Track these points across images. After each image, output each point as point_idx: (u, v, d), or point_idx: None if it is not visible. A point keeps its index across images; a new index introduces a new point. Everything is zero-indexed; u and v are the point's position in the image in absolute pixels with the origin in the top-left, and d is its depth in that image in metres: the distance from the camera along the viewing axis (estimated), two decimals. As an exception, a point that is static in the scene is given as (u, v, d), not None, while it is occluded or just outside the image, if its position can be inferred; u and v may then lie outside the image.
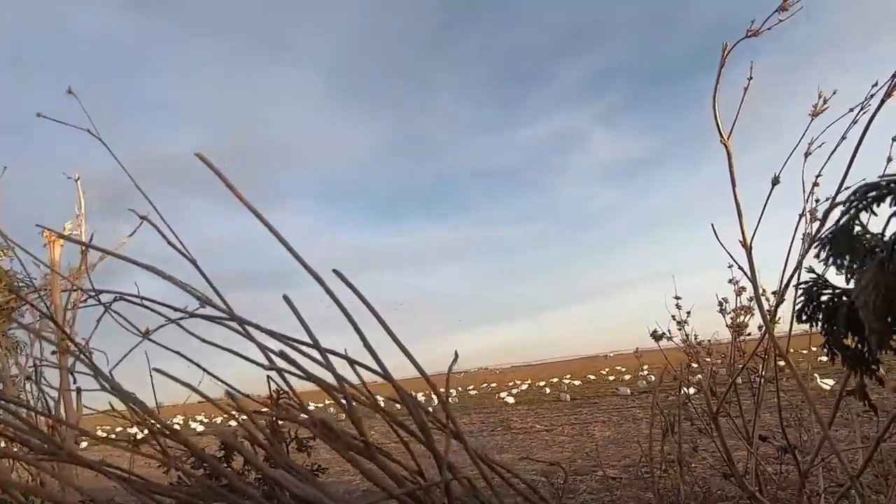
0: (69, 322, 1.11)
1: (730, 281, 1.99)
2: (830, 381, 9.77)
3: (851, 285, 0.65)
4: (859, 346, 0.79)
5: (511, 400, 17.83)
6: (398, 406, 0.71)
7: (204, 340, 0.63)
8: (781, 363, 1.92)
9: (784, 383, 1.81)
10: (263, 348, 0.59)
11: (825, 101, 1.28)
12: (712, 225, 1.48)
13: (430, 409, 0.65)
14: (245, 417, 0.57)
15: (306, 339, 0.59)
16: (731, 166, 1.36)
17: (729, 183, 1.41)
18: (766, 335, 1.67)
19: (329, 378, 0.59)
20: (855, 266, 0.64)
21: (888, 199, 0.60)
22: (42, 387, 1.15)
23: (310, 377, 0.57)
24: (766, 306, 1.69)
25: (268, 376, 0.72)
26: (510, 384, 29.16)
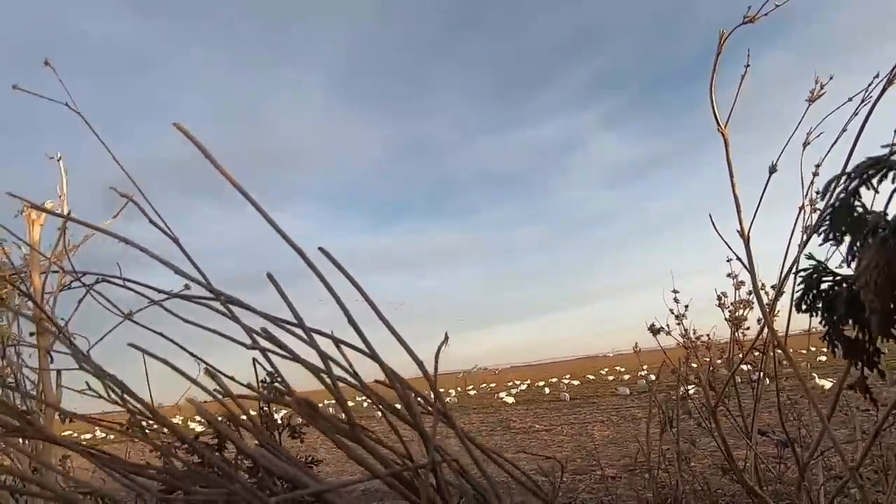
0: (49, 304, 1.10)
1: (728, 275, 1.98)
2: (829, 382, 9.77)
3: (853, 269, 0.62)
4: (860, 335, 0.77)
5: (510, 400, 17.80)
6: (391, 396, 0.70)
7: (185, 320, 0.62)
8: (781, 359, 1.90)
9: (783, 382, 1.80)
10: (248, 330, 0.57)
11: (822, 87, 1.26)
12: (710, 215, 1.46)
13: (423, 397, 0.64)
14: (228, 399, 0.55)
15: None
16: (728, 155, 1.35)
17: (727, 174, 1.39)
18: (765, 327, 1.65)
19: (314, 360, 0.57)
20: (856, 246, 0.62)
21: (890, 175, 0.58)
22: (21, 366, 1.13)
23: (294, 357, 0.55)
24: (765, 300, 1.68)
25: (253, 359, 0.70)
26: (509, 384, 29.13)
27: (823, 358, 15.87)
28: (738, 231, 1.35)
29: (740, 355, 1.78)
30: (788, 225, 1.57)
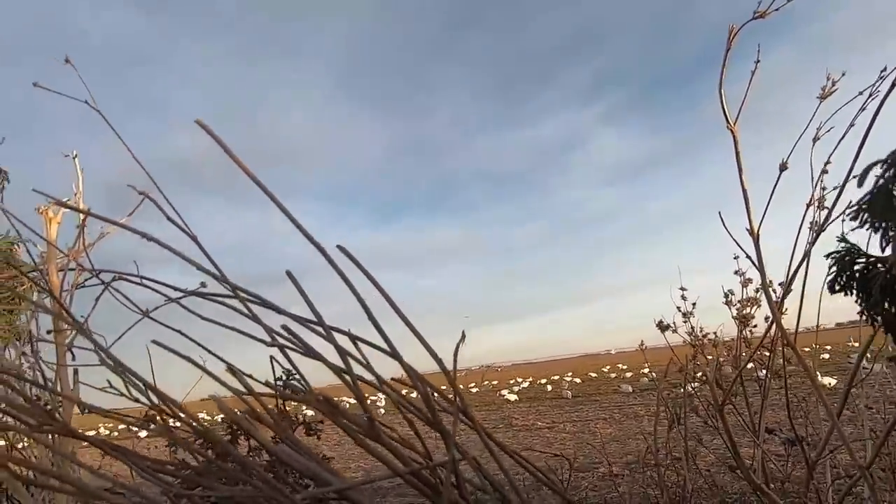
0: (66, 300, 1.10)
1: (735, 272, 1.97)
2: (832, 380, 9.76)
3: (888, 252, 0.63)
4: None
5: (513, 397, 17.82)
6: (409, 391, 0.70)
7: (203, 318, 0.62)
8: (788, 357, 1.90)
9: (789, 380, 1.79)
10: (266, 327, 0.57)
11: (834, 84, 1.26)
12: (719, 213, 1.46)
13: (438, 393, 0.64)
14: (249, 396, 0.56)
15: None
16: (737, 153, 1.34)
17: (736, 172, 1.39)
18: (774, 325, 1.65)
19: (334, 358, 0.57)
20: (893, 232, 0.62)
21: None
22: (39, 362, 1.14)
23: (313, 354, 0.55)
24: (773, 297, 1.68)
25: (271, 357, 0.70)
26: (511, 382, 29.16)
27: (826, 356, 15.84)
28: (747, 229, 1.35)
29: (746, 354, 1.77)
30: (794, 220, 1.57)
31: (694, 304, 2.13)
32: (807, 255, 1.46)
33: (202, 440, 0.66)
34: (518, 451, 0.67)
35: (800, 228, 1.54)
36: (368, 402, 0.59)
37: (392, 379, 0.62)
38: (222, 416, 0.55)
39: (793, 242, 1.54)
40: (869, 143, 1.17)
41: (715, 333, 2.19)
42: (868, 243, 0.67)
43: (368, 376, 0.60)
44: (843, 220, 1.29)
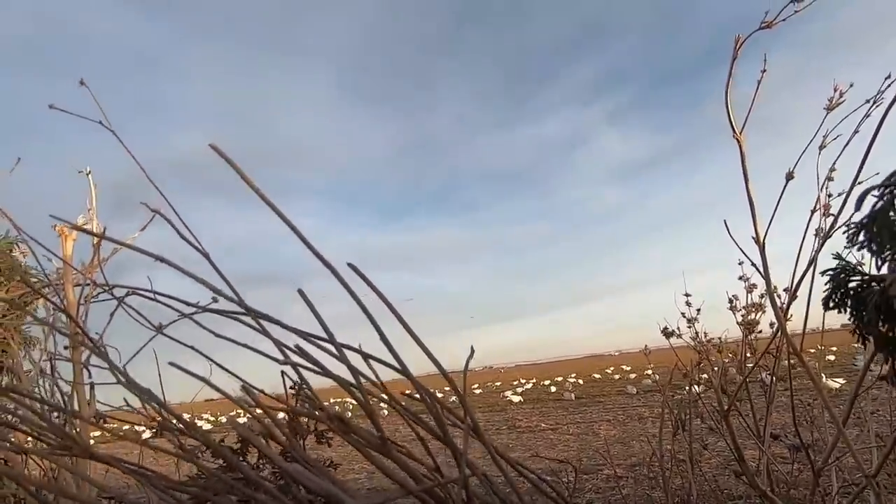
0: (82, 317, 1.12)
1: (740, 278, 1.97)
2: (840, 381, 9.70)
3: (884, 271, 0.63)
4: (891, 333, 0.77)
5: (516, 399, 17.80)
6: (415, 405, 0.71)
7: (217, 335, 0.63)
8: (794, 361, 1.89)
9: (795, 382, 1.79)
10: (279, 343, 0.58)
11: (841, 95, 1.26)
12: (725, 221, 1.46)
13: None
14: (261, 412, 0.56)
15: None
16: (743, 162, 1.34)
17: (741, 180, 1.39)
18: (779, 332, 1.64)
19: (343, 373, 0.58)
20: (888, 253, 0.62)
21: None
22: (56, 381, 1.15)
23: (325, 372, 0.56)
24: (778, 303, 1.67)
25: (282, 372, 0.71)
26: (515, 383, 29.14)
27: (832, 357, 15.76)
28: (753, 238, 1.35)
29: (751, 358, 1.77)
30: (797, 225, 1.56)
31: (699, 309, 2.13)
32: (812, 261, 1.46)
33: (214, 454, 0.67)
34: (524, 463, 0.67)
35: (804, 234, 1.54)
36: (371, 402, 0.59)
37: (403, 393, 0.63)
38: (225, 418, 0.56)
39: (797, 247, 1.54)
40: (874, 148, 1.17)
41: (720, 339, 2.19)
42: (871, 264, 0.68)
43: (382, 393, 0.61)
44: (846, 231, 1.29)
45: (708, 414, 2.08)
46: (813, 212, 1.61)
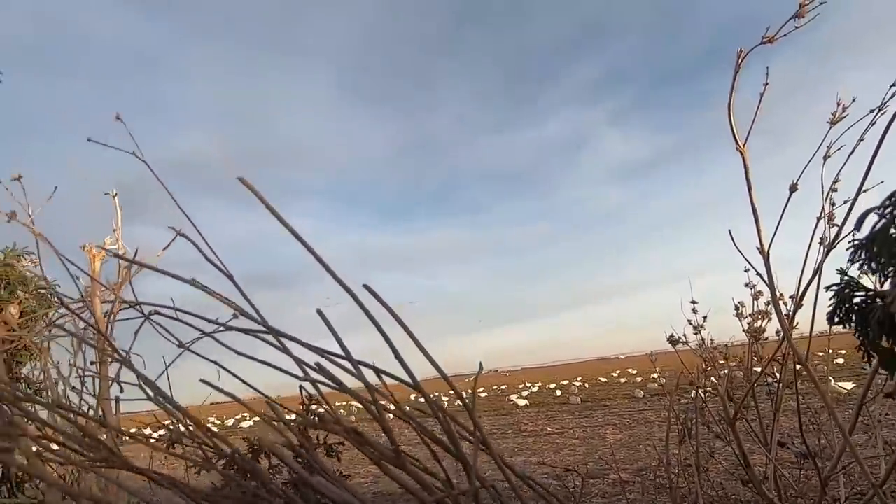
0: (110, 333, 1.16)
1: (746, 285, 1.98)
2: (848, 385, 9.59)
3: (887, 287, 0.65)
4: (895, 348, 0.79)
5: (522, 402, 17.75)
6: (420, 406, 0.73)
7: (239, 353, 0.66)
8: (800, 367, 1.90)
9: (801, 386, 1.79)
10: (299, 361, 0.61)
11: (844, 109, 1.27)
12: (730, 231, 1.47)
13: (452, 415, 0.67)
14: (280, 424, 0.59)
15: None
16: (747, 173, 1.36)
17: (744, 188, 1.40)
18: (785, 341, 1.65)
19: (358, 387, 0.61)
20: (890, 269, 0.64)
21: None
22: (83, 395, 1.19)
23: (343, 389, 0.59)
24: (783, 311, 1.68)
25: (300, 385, 0.74)
26: (520, 386, 29.06)
27: (841, 360, 15.59)
28: (757, 248, 1.36)
29: (758, 370, 1.78)
30: (801, 233, 1.58)
31: (705, 317, 2.14)
32: (817, 270, 1.47)
33: (229, 464, 0.70)
34: (530, 473, 0.70)
35: (809, 243, 1.55)
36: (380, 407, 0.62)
37: (413, 409, 0.66)
38: (232, 421, 0.59)
39: (801, 253, 1.55)
40: (879, 154, 1.18)
41: (726, 345, 2.20)
42: (875, 279, 0.70)
43: (394, 406, 0.64)
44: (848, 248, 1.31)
45: (714, 421, 2.09)
46: (819, 219, 1.62)
